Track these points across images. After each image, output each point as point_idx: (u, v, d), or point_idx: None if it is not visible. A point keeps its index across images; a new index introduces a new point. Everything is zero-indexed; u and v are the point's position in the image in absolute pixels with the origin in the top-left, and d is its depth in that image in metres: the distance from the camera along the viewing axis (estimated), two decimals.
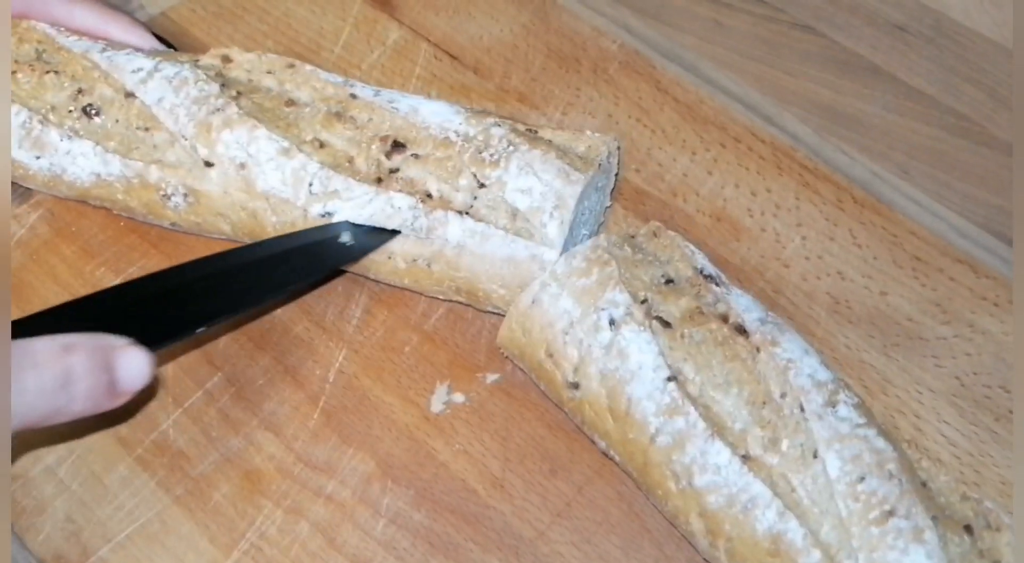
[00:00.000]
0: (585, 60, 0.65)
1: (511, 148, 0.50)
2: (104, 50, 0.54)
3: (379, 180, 0.51)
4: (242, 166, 0.51)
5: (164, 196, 0.53)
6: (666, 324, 0.47)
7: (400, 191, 0.50)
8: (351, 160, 0.51)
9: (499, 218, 0.50)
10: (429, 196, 0.50)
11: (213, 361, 0.53)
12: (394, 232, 0.51)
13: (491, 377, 0.53)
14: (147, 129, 0.53)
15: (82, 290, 0.55)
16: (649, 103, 0.63)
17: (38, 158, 0.53)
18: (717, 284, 0.49)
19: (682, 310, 0.47)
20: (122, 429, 0.51)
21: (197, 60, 0.55)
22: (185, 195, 0.52)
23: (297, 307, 0.55)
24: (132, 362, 0.42)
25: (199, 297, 0.48)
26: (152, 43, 0.57)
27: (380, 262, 0.52)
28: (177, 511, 0.49)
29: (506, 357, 0.52)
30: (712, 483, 0.43)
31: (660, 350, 0.45)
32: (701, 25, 0.69)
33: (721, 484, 0.43)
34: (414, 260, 0.51)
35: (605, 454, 0.49)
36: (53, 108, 0.54)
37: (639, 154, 0.61)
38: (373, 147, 0.51)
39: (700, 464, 0.43)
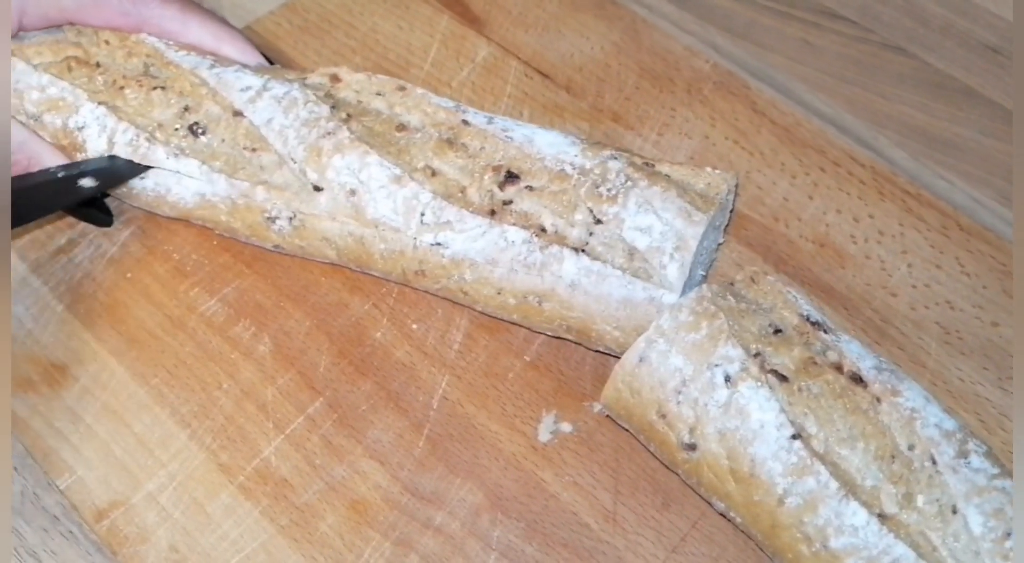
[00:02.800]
0: (679, 80, 0.64)
1: (629, 183, 0.49)
2: (212, 66, 0.53)
3: (492, 212, 0.49)
4: (352, 192, 0.50)
5: (269, 218, 0.52)
6: (782, 378, 0.45)
7: (514, 224, 0.49)
8: (463, 190, 0.50)
9: (616, 257, 0.48)
10: (543, 230, 0.49)
11: (314, 385, 0.52)
12: (147, 168, 0.52)
13: (598, 406, 0.52)
14: (254, 150, 0.51)
15: (176, 311, 0.54)
16: (746, 125, 0.62)
17: (142, 178, 0.52)
18: (825, 331, 0.47)
19: (796, 361, 0.45)
20: (222, 455, 0.50)
21: (305, 78, 0.54)
22: (291, 218, 0.51)
23: (397, 331, 0.54)
24: None
25: None
26: (260, 61, 0.56)
27: (489, 296, 0.50)
28: (282, 542, 0.48)
29: None
30: (850, 545, 0.41)
31: (781, 406, 0.43)
32: (790, 45, 0.67)
33: (860, 546, 0.41)
34: (525, 297, 0.49)
35: (724, 515, 0.47)
36: (160, 125, 0.52)
37: (738, 177, 0.60)
38: (486, 177, 0.50)
39: (835, 525, 0.41)
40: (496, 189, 0.50)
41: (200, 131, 0.52)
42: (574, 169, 0.50)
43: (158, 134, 0.52)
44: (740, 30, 0.68)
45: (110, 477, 0.50)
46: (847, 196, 0.60)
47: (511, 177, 0.50)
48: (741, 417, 0.44)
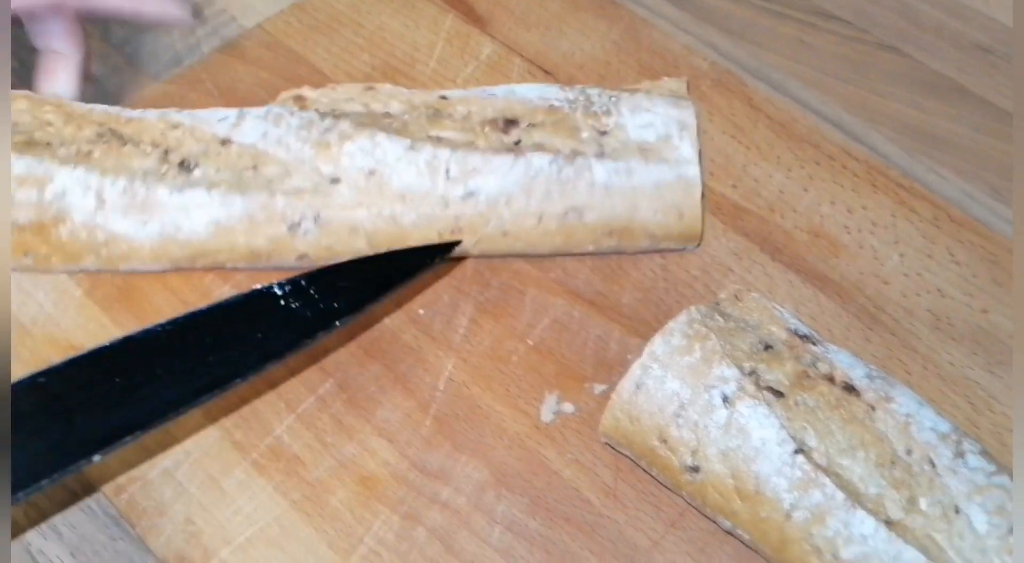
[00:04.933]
0: (677, 77, 0.66)
1: (613, 99, 0.55)
2: (179, 110, 0.54)
3: (510, 150, 0.53)
4: (371, 172, 0.52)
5: (293, 226, 0.53)
6: (778, 393, 0.46)
7: (535, 152, 0.53)
8: (472, 143, 0.53)
9: (631, 156, 0.53)
10: (559, 153, 0.54)
11: (324, 367, 0.54)
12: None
13: (599, 387, 0.53)
14: (255, 167, 0.53)
15: (191, 297, 0.56)
16: (743, 120, 0.64)
17: (145, 224, 0.52)
18: (814, 343, 0.48)
19: (789, 376, 0.46)
20: (236, 433, 0.52)
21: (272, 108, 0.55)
22: (315, 218, 0.53)
23: (405, 316, 0.56)
24: None
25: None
26: (183, 14, 0.55)
27: (531, 228, 0.53)
28: (295, 516, 0.50)
29: (614, 368, 0.53)
30: (861, 554, 0.42)
31: (780, 422, 0.45)
32: (787, 44, 0.69)
33: (871, 554, 0.42)
34: (565, 214, 0.53)
35: (731, 533, 0.48)
36: (146, 173, 0.52)
37: (735, 170, 0.62)
38: (487, 129, 0.53)
39: (845, 536, 0.42)
40: (503, 136, 0.53)
41: (192, 165, 0.52)
42: (561, 102, 0.55)
43: (150, 178, 0.52)
44: (737, 30, 0.70)
45: (127, 453, 0.51)
46: (841, 188, 0.61)
47: (510, 123, 0.54)
48: (742, 436, 0.45)
